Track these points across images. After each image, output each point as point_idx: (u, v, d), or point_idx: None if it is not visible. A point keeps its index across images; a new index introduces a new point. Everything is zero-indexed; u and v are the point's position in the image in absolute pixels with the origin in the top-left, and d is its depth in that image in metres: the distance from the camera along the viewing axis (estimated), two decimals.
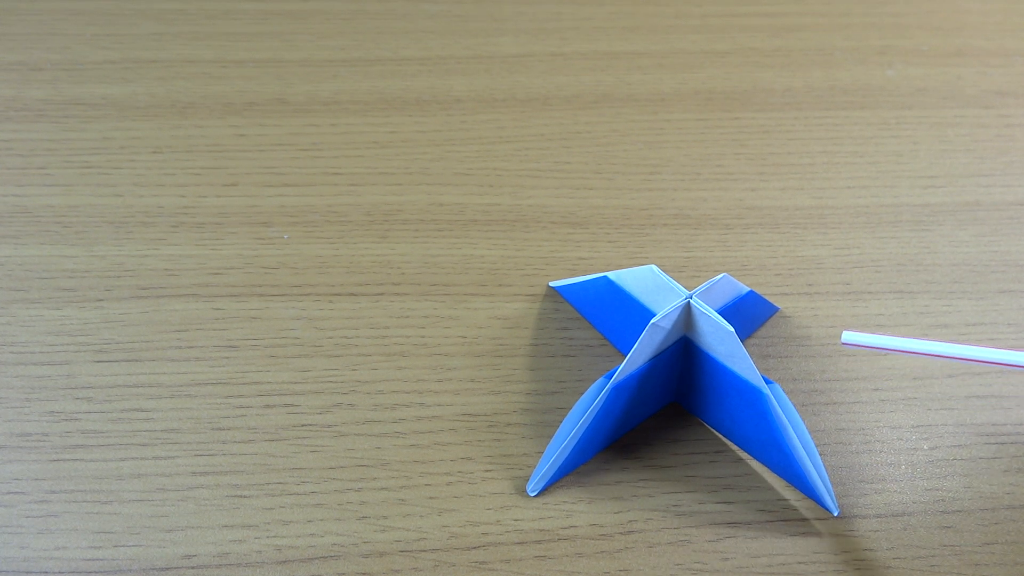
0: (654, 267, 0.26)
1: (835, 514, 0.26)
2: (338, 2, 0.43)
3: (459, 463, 0.26)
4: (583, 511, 0.26)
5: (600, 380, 0.26)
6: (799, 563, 0.25)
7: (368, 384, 0.28)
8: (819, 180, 0.36)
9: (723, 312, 0.26)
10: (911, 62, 0.41)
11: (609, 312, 0.29)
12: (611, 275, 0.28)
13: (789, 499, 0.26)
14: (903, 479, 0.27)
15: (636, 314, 0.27)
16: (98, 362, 0.28)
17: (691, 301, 0.25)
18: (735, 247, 0.33)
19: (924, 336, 0.31)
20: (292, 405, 0.27)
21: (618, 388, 0.25)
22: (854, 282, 0.32)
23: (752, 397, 0.25)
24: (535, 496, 0.26)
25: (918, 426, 0.28)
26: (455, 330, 0.30)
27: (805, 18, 0.43)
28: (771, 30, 0.43)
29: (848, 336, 0.23)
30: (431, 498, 0.26)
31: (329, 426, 0.27)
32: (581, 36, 0.42)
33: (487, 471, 0.26)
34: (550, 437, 0.27)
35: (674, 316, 0.25)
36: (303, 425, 0.27)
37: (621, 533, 0.25)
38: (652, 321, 0.24)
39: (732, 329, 0.24)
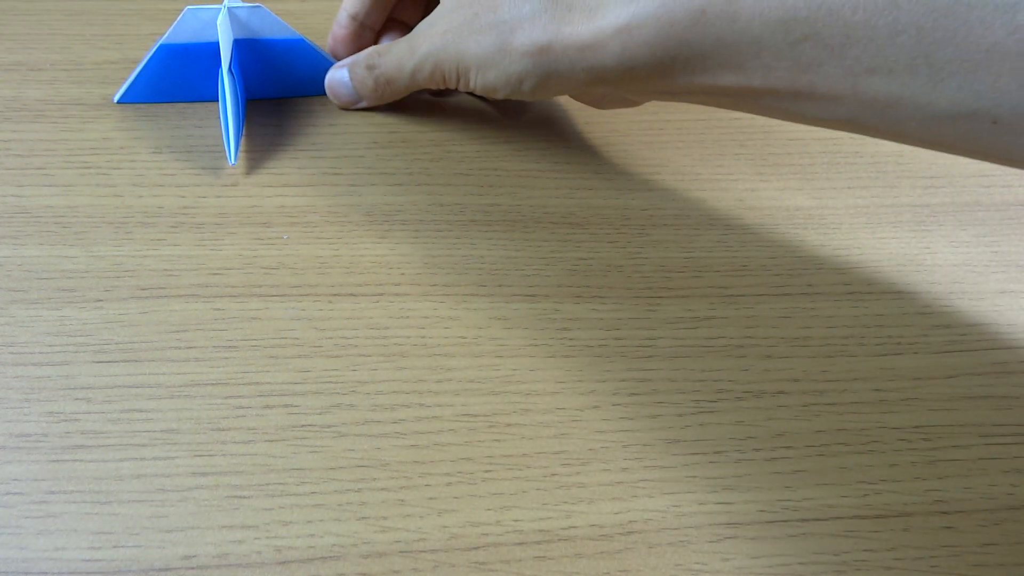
0: (189, 7, 0.34)
1: (232, 163, 0.33)
2: (338, 2, 0.43)
3: (459, 463, 0.26)
4: (583, 511, 0.26)
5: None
6: (799, 563, 0.25)
7: (368, 384, 0.28)
8: (819, 180, 0.36)
9: (254, 42, 0.36)
10: None
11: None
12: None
13: (790, 499, 0.26)
14: (903, 479, 0.27)
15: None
16: (97, 363, 0.28)
17: (224, 7, 0.34)
18: (735, 247, 0.33)
19: (924, 335, 0.31)
20: (292, 405, 0.27)
21: (164, 48, 0.35)
22: (854, 282, 0.32)
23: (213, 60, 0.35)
24: (117, 102, 0.36)
25: (918, 426, 0.28)
26: (455, 330, 0.30)
27: None
28: None
29: None
30: (431, 498, 0.26)
31: (329, 426, 0.27)
32: None
33: (487, 471, 0.26)
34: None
35: (210, 12, 0.34)
36: (303, 425, 0.27)
37: (621, 533, 0.25)
38: (188, 8, 0.34)
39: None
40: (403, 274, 0.31)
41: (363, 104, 0.37)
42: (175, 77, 0.36)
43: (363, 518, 0.25)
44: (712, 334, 0.30)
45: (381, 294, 0.31)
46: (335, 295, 0.31)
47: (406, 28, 0.37)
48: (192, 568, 0.24)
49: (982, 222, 0.35)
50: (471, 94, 0.39)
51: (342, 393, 0.28)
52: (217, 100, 0.37)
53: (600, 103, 0.35)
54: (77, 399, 0.27)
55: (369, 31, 0.38)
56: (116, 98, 0.36)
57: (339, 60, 0.37)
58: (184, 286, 0.30)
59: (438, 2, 0.33)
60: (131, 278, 0.30)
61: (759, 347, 0.30)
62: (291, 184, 0.34)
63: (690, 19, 0.25)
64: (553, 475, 0.26)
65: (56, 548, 0.24)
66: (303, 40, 0.37)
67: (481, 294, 0.31)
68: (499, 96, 0.31)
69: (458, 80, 0.32)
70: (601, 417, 0.28)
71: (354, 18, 0.37)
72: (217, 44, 0.35)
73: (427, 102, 0.39)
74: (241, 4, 0.35)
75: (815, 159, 0.37)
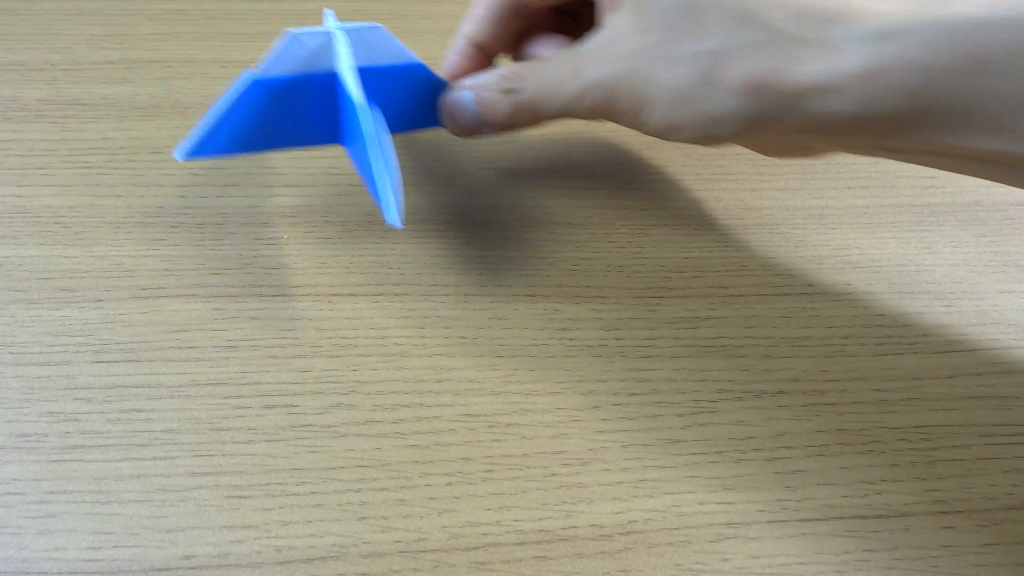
0: (291, 31, 0.28)
1: (397, 226, 0.27)
2: (338, 2, 0.43)
3: (459, 463, 0.26)
4: (583, 511, 0.26)
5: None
6: (799, 563, 0.25)
7: (368, 384, 0.28)
8: (819, 180, 0.36)
9: (375, 70, 0.29)
10: None
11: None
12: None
13: (791, 499, 0.26)
14: (903, 479, 0.27)
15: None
16: (97, 363, 0.28)
17: (336, 30, 0.28)
18: (735, 247, 0.33)
19: (924, 335, 0.31)
20: (292, 405, 0.27)
21: (260, 84, 0.28)
22: (854, 282, 0.32)
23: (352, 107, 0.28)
24: (183, 160, 0.28)
25: (918, 426, 0.28)
26: (455, 330, 0.30)
27: None
28: None
29: None
30: (431, 498, 0.26)
31: (329, 426, 0.27)
32: None
33: (487, 471, 0.26)
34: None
35: (318, 36, 0.28)
36: (303, 425, 0.27)
37: (621, 533, 0.25)
38: (291, 31, 0.27)
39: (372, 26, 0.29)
40: (403, 274, 0.31)
41: (486, 132, 0.31)
42: (268, 121, 0.29)
43: (363, 518, 0.25)
44: (712, 334, 0.30)
45: (381, 294, 0.31)
46: (335, 295, 0.31)
47: (572, 25, 0.32)
48: (192, 568, 0.24)
49: (982, 222, 0.35)
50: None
51: (342, 393, 0.28)
52: (314, 145, 0.31)
53: (781, 152, 0.29)
54: (77, 399, 0.27)
55: (490, 62, 0.32)
56: (181, 155, 0.28)
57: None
58: (184, 286, 0.30)
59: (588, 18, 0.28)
60: (131, 278, 0.30)
61: (759, 347, 0.30)
62: (291, 184, 0.34)
63: (966, 68, 0.21)
64: (553, 475, 0.26)
65: (56, 548, 0.24)
66: (422, 65, 0.31)
67: (481, 294, 0.31)
68: (678, 139, 0.26)
69: (627, 115, 0.27)
70: (601, 417, 0.28)
71: (479, 47, 0.31)
72: (327, 75, 0.29)
73: None
74: (355, 24, 0.29)
75: (815, 159, 0.37)
